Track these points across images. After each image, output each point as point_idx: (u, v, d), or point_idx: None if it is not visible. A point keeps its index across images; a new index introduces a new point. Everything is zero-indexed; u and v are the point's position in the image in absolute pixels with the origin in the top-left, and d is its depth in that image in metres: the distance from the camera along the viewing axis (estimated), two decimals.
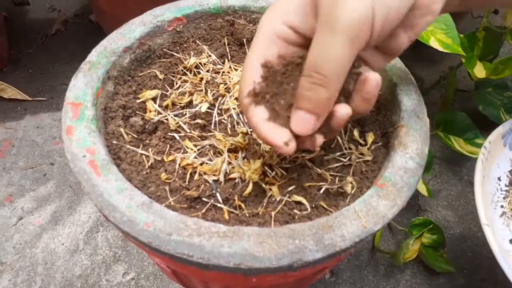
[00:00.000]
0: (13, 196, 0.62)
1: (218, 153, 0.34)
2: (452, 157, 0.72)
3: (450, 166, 0.72)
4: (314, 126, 0.24)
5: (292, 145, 0.25)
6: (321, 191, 0.32)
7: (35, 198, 0.62)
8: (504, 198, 0.52)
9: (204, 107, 0.36)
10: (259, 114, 0.25)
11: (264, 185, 0.32)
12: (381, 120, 0.38)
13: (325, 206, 0.31)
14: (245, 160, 0.33)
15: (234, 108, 0.37)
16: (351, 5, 0.21)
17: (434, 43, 0.48)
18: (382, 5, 0.22)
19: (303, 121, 0.24)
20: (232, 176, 0.32)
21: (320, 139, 0.27)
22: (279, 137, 0.25)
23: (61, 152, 0.68)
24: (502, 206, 0.51)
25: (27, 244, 0.57)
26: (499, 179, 0.53)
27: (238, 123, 0.36)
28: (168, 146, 0.34)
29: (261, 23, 0.23)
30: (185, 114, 0.36)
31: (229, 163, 0.33)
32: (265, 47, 0.23)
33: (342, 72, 0.22)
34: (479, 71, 0.60)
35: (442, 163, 0.72)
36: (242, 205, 0.31)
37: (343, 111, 0.25)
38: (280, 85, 0.24)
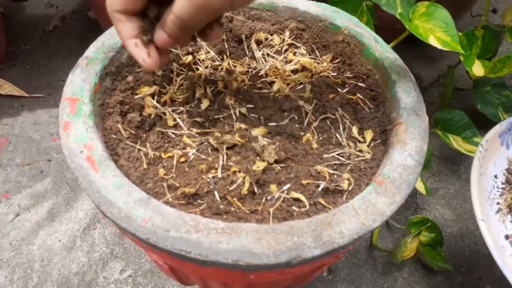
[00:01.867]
0: (10, 192, 0.61)
1: (216, 149, 0.34)
2: (450, 155, 0.73)
3: (448, 165, 0.72)
4: (171, 45, 0.30)
5: (149, 62, 0.30)
6: (320, 188, 0.32)
7: (32, 194, 0.61)
8: (500, 195, 0.52)
9: (202, 104, 0.36)
10: (128, 31, 0.30)
11: (262, 182, 0.32)
12: (380, 118, 0.38)
13: (323, 203, 0.31)
14: (243, 158, 0.33)
15: (233, 105, 0.37)
16: None
17: (433, 41, 0.48)
18: None
19: (165, 40, 0.29)
20: (229, 173, 0.32)
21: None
22: (140, 55, 0.30)
23: (58, 148, 0.67)
24: (498, 203, 0.51)
25: (24, 241, 0.57)
26: (495, 177, 0.53)
27: (236, 120, 0.36)
28: (166, 142, 0.34)
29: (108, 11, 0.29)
30: (183, 110, 0.36)
31: (227, 159, 0.33)
32: (124, 25, 0.29)
33: (196, 26, 0.29)
34: (478, 69, 0.59)
35: (440, 162, 0.72)
36: (240, 202, 0.31)
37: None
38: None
